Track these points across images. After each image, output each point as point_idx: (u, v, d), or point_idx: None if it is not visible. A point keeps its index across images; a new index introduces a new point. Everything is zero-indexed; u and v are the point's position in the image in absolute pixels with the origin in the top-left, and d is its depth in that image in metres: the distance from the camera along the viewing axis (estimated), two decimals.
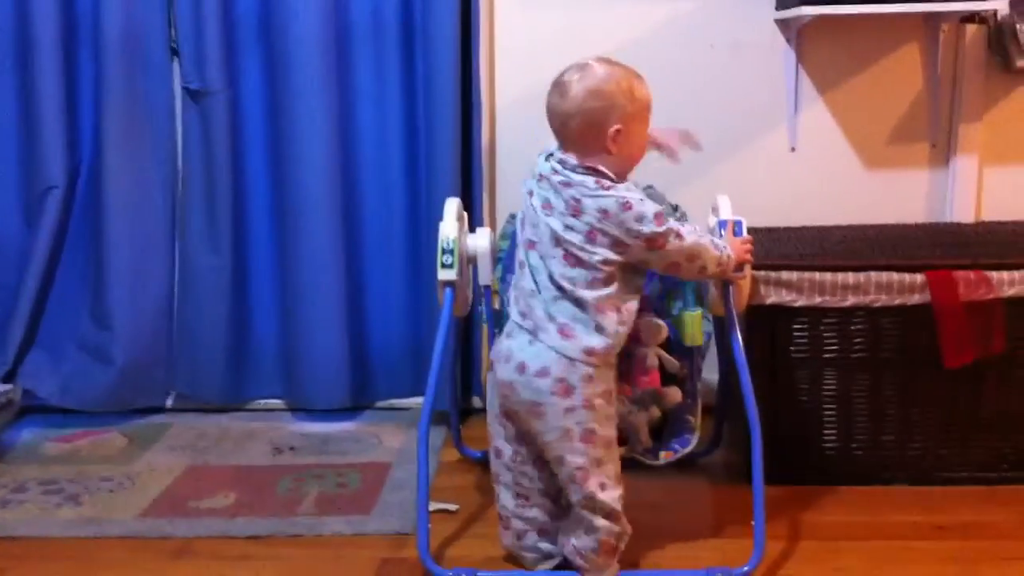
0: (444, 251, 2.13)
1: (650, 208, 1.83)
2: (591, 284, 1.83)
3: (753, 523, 1.97)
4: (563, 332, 1.84)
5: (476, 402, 2.90)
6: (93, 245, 2.92)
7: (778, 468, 2.19)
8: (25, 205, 2.94)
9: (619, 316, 1.87)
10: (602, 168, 1.85)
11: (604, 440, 1.89)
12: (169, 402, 3.00)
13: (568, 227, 1.83)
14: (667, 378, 2.25)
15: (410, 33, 2.83)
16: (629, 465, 2.05)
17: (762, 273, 2.27)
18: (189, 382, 2.97)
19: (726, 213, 2.17)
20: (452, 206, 2.22)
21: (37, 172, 2.90)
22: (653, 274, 2.13)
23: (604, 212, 1.82)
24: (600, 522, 1.88)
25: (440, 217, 2.20)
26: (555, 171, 1.87)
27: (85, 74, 2.90)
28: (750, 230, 2.14)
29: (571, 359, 1.84)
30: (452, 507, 2.27)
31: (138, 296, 2.92)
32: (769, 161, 2.84)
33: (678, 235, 1.86)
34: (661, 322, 2.28)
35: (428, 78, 2.80)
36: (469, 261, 2.21)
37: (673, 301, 2.27)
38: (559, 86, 1.88)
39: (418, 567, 1.99)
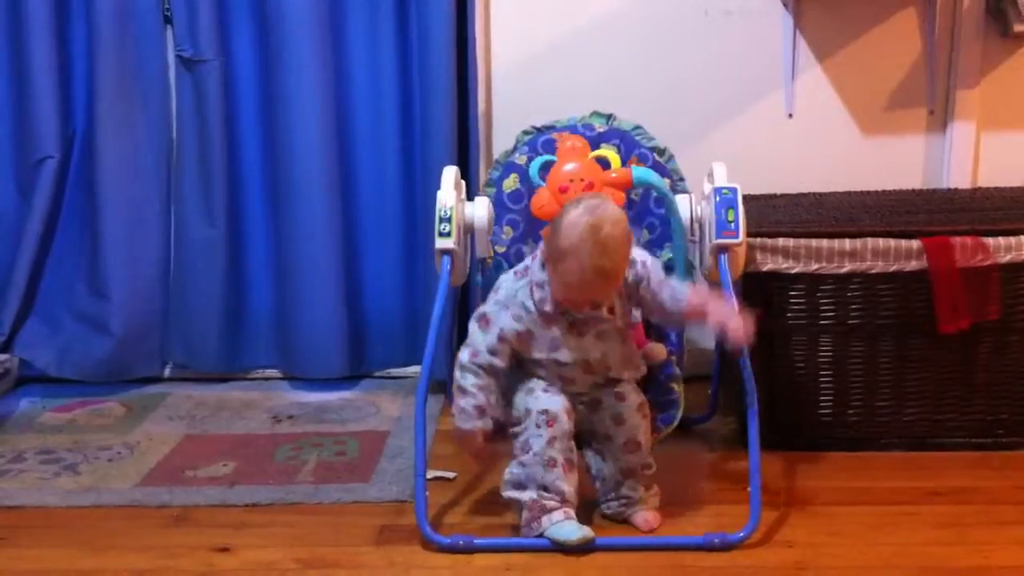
0: (442, 219, 2.12)
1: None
2: None
3: (749, 489, 1.98)
4: None
5: None
6: (88, 214, 2.92)
7: (774, 434, 2.21)
8: (19, 175, 2.93)
9: None
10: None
11: None
12: (167, 371, 3.01)
13: None
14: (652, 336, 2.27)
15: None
16: None
17: (758, 240, 2.27)
18: (186, 351, 2.97)
19: (722, 180, 2.17)
20: (450, 174, 2.22)
21: (31, 142, 2.89)
22: (638, 214, 2.24)
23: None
24: None
25: (436, 186, 2.20)
26: None
27: (78, 42, 2.88)
28: (746, 197, 2.14)
29: None
30: (450, 475, 2.28)
31: (134, 265, 2.91)
32: (766, 128, 2.83)
33: None
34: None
35: (423, 45, 2.78)
36: (466, 230, 2.21)
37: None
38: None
39: (416, 534, 1.99)
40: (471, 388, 1.97)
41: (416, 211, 2.87)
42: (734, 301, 2.02)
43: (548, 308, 1.96)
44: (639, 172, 2.18)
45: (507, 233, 2.33)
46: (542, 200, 2.22)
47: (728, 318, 1.90)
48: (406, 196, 2.90)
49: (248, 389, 2.92)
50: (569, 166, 2.21)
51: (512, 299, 1.99)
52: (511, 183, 2.33)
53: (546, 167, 2.25)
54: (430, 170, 2.65)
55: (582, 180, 2.18)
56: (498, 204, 2.32)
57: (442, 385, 2.65)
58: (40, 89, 2.85)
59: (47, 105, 2.86)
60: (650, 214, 2.32)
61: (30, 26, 2.81)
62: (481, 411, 1.97)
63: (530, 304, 1.97)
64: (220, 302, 2.93)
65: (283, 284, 2.91)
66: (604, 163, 2.24)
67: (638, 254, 1.98)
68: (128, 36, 2.85)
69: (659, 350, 2.21)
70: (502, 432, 2.03)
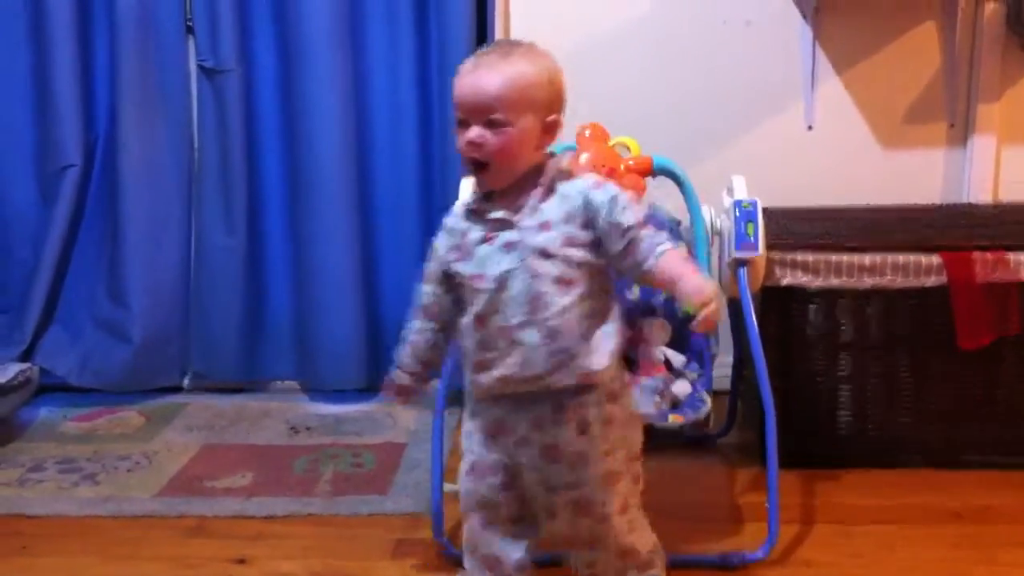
0: None
1: None
2: None
3: (767, 506, 1.97)
4: None
5: None
6: (109, 223, 2.94)
7: (792, 450, 2.19)
8: (42, 183, 2.96)
9: None
10: None
11: None
12: (186, 381, 3.02)
13: None
14: (675, 374, 2.25)
15: (424, 6, 2.82)
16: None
17: (777, 254, 2.26)
18: (205, 360, 2.98)
19: (741, 193, 2.16)
20: (468, 186, 2.21)
21: (53, 150, 2.91)
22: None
23: None
24: None
25: (456, 196, 2.20)
26: None
27: (100, 52, 2.90)
28: (765, 210, 2.13)
29: None
30: None
31: (154, 274, 2.93)
32: (785, 140, 2.82)
33: None
34: (666, 322, 2.29)
35: (442, 54, 2.79)
36: None
37: None
38: None
39: (433, 547, 2.00)
40: (407, 336, 1.74)
41: (434, 222, 2.86)
42: (711, 281, 1.60)
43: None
44: (659, 158, 2.16)
45: None
46: None
47: (705, 298, 1.46)
48: (424, 206, 2.90)
49: (266, 399, 2.94)
50: (587, 153, 2.13)
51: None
52: None
53: (565, 154, 2.20)
54: (449, 180, 2.66)
55: (603, 166, 2.10)
56: None
57: (460, 397, 2.64)
58: (63, 98, 2.87)
59: (70, 114, 2.88)
60: (661, 227, 2.31)
61: (52, 33, 2.84)
62: (410, 359, 1.73)
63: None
64: (239, 311, 2.95)
65: (302, 294, 2.92)
66: (624, 150, 2.21)
67: (605, 184, 1.56)
68: (150, 46, 2.87)
69: (683, 387, 2.15)
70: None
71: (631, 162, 2.15)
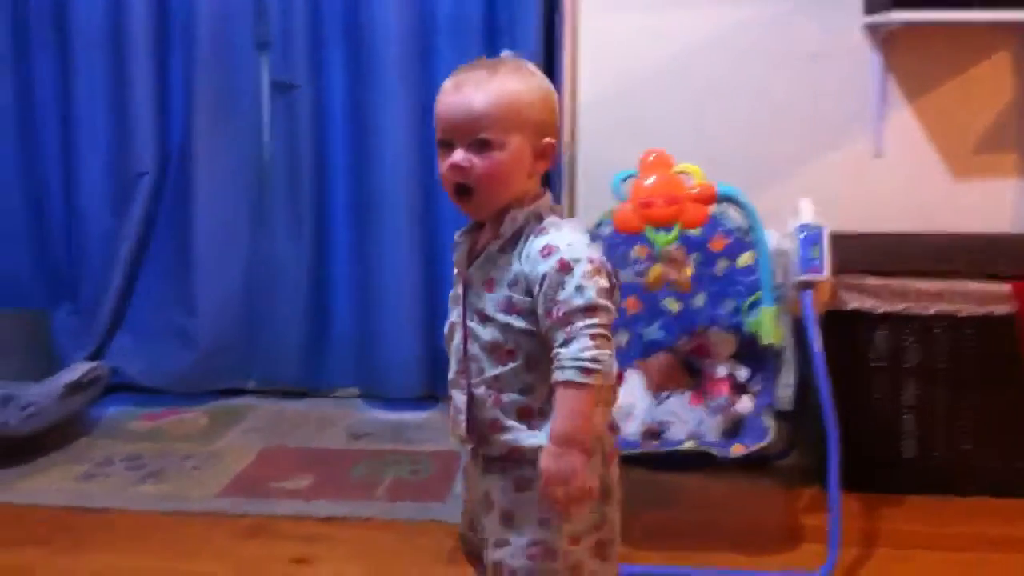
0: None
1: None
2: None
3: (827, 528, 1.95)
4: None
5: None
6: (180, 231, 3.01)
7: (853, 474, 2.17)
8: (116, 191, 3.04)
9: None
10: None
11: None
12: (250, 385, 3.07)
13: None
14: (739, 389, 2.25)
15: (493, 31, 2.86)
16: (701, 462, 2.04)
17: (843, 278, 2.25)
18: (268, 366, 3.03)
19: (808, 217, 2.16)
20: None
21: (128, 159, 3.00)
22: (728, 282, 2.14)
23: None
24: None
25: None
26: None
27: (176, 64, 2.99)
28: (832, 235, 2.13)
29: None
30: None
31: (221, 281, 2.99)
32: (853, 166, 2.81)
33: None
34: (731, 335, 2.29)
35: None
36: None
37: (750, 304, 2.27)
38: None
39: None
40: None
41: None
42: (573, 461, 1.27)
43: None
44: (724, 186, 2.16)
45: None
46: (624, 215, 2.14)
47: (548, 479, 1.26)
48: None
49: (327, 405, 2.97)
50: (651, 180, 2.12)
51: None
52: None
53: (628, 181, 2.17)
54: None
55: (666, 194, 2.11)
56: None
57: None
58: (139, 108, 2.97)
59: (145, 123, 2.98)
60: (735, 283, 2.33)
61: (130, 46, 2.95)
62: None
63: None
64: (303, 319, 3.00)
65: (365, 304, 2.96)
66: (688, 177, 2.21)
67: (569, 239, 1.30)
68: (224, 62, 2.95)
69: (745, 404, 2.16)
70: None
71: (695, 190, 2.13)
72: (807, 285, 2.11)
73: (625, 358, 2.37)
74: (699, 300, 2.38)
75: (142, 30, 2.94)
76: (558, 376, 1.24)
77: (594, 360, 1.23)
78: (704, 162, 2.15)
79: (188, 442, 2.68)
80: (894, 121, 2.80)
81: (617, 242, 2.37)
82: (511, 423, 1.32)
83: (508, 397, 1.31)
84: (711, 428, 2.17)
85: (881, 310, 2.27)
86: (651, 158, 2.16)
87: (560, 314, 1.25)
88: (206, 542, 2.12)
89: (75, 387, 2.68)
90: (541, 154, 1.35)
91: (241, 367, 3.04)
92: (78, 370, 2.74)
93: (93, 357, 2.97)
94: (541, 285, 1.27)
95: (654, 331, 2.41)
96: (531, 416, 1.31)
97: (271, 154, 3.00)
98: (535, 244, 1.30)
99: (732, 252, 2.36)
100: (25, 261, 3.10)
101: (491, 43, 2.86)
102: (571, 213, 2.90)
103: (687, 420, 2.18)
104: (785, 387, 2.41)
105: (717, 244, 2.38)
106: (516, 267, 1.30)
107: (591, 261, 1.28)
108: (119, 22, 2.94)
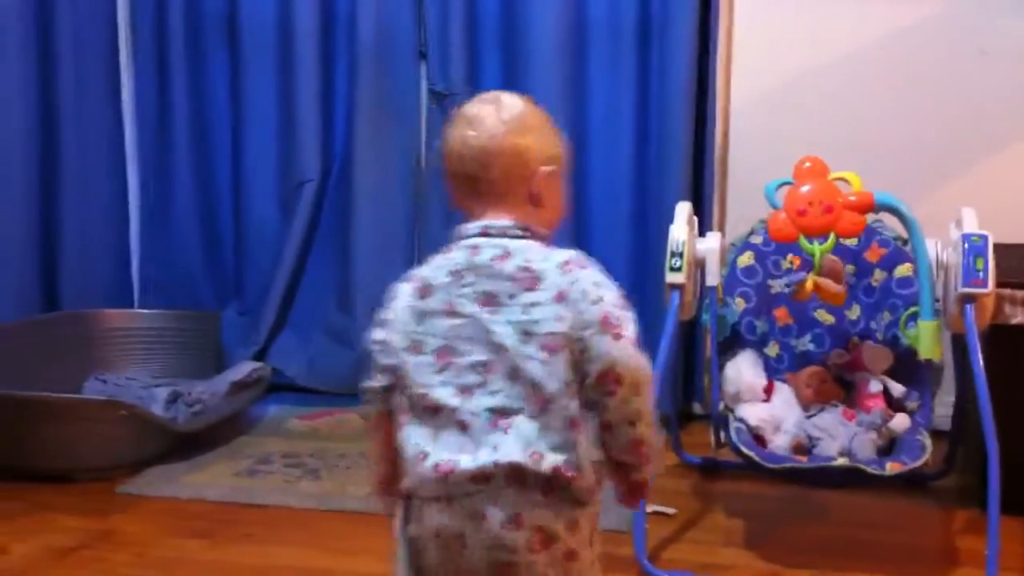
0: (673, 254, 2.13)
1: None
2: None
3: (986, 552, 1.88)
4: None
5: (696, 408, 2.90)
6: (341, 235, 3.11)
7: (1015, 497, 2.08)
8: (282, 197, 3.17)
9: None
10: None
11: None
12: None
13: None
14: (893, 405, 2.18)
15: (647, 33, 2.85)
16: (853, 479, 1.98)
17: (1008, 291, 2.16)
18: None
19: (971, 227, 2.07)
20: (683, 210, 2.22)
21: (294, 166, 3.12)
22: (884, 294, 2.09)
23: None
24: None
25: (669, 221, 2.21)
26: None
27: (339, 75, 3.09)
28: (996, 246, 2.04)
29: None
30: (670, 511, 2.28)
31: (380, 284, 3.04)
32: (1018, 173, 2.69)
33: None
34: (886, 349, 2.22)
35: (662, 79, 2.82)
36: (697, 265, 2.21)
37: (907, 317, 2.20)
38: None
39: (634, 565, 2.01)
40: None
41: (648, 245, 2.89)
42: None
43: None
44: (881, 195, 2.09)
45: (739, 304, 2.35)
46: (778, 223, 2.09)
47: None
48: (638, 230, 2.92)
49: None
50: (806, 187, 2.07)
51: None
52: (746, 259, 2.35)
53: (782, 189, 2.13)
54: (664, 205, 2.66)
55: (821, 202, 2.05)
56: (732, 277, 2.33)
57: (666, 420, 2.65)
58: (303, 117, 3.09)
59: (310, 133, 3.09)
60: (892, 295, 2.26)
61: (297, 58, 3.06)
62: None
63: None
64: None
65: None
66: (844, 185, 2.15)
67: (602, 283, 1.26)
68: (385, 71, 3.03)
69: (902, 420, 2.10)
70: None
71: (852, 197, 2.07)
72: (970, 298, 2.02)
73: (775, 370, 2.33)
74: (854, 312, 2.32)
75: (309, 40, 3.05)
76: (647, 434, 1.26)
77: None
78: (862, 169, 2.10)
79: (344, 442, 2.75)
80: None
81: (768, 251, 2.34)
82: None
83: None
84: (864, 445, 2.11)
85: None
86: (806, 165, 2.11)
87: None
88: (362, 539, 2.16)
89: (240, 386, 2.80)
90: None
91: None
92: (243, 369, 2.86)
93: (257, 357, 3.10)
94: None
95: (805, 343, 2.36)
96: None
97: (428, 160, 3.07)
98: None
99: (889, 263, 2.30)
100: (198, 263, 3.27)
101: (645, 43, 2.86)
102: (720, 216, 2.87)
103: (838, 436, 2.13)
104: (944, 405, 2.32)
105: (874, 255, 2.32)
106: None
107: None
108: (287, 33, 3.06)
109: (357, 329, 3.05)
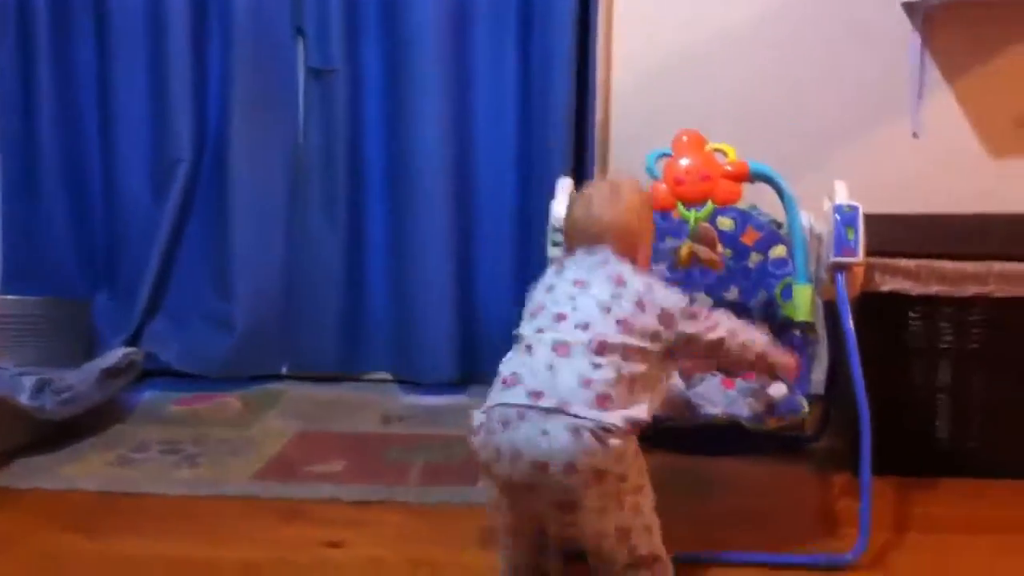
0: (555, 229, 2.14)
1: None
2: None
3: (859, 511, 1.93)
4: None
5: None
6: (217, 217, 3.03)
7: (886, 458, 2.15)
8: (153, 176, 3.06)
9: None
10: None
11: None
12: (284, 370, 3.09)
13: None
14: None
15: (528, 12, 2.85)
16: (736, 440, 2.02)
17: (879, 260, 2.23)
18: (303, 351, 3.06)
19: (843, 198, 2.13)
20: (564, 185, 2.23)
21: (166, 145, 3.02)
22: (761, 274, 2.15)
23: None
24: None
25: (552, 196, 2.21)
26: None
27: (213, 51, 3.01)
28: (867, 216, 2.10)
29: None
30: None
31: (257, 267, 3.01)
32: (890, 147, 2.78)
33: None
34: (764, 325, 2.25)
35: (544, 57, 2.82)
36: None
37: (783, 287, 2.25)
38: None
39: None
40: None
41: (531, 222, 2.90)
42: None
43: None
44: (756, 164, 2.14)
45: None
46: (659, 194, 2.11)
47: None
48: (522, 206, 2.93)
49: (361, 390, 2.99)
50: (684, 159, 2.11)
51: None
52: None
53: (661, 160, 2.16)
54: (547, 182, 2.66)
55: (698, 171, 2.09)
56: None
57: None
58: (176, 94, 2.99)
59: (182, 110, 2.99)
60: (768, 275, 2.31)
61: (168, 33, 2.96)
62: None
63: None
64: (338, 305, 3.02)
65: (400, 289, 2.97)
66: (721, 156, 2.19)
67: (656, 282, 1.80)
68: (261, 47, 2.96)
69: (779, 388, 2.14)
70: None
71: (728, 168, 2.11)
72: (841, 267, 2.08)
73: None
74: (732, 293, 2.36)
75: (179, 14, 2.95)
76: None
77: None
78: (739, 143, 2.13)
79: (224, 427, 2.70)
80: (932, 101, 2.77)
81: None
82: None
83: None
84: (743, 407, 2.15)
85: (916, 292, 2.24)
86: (684, 138, 2.14)
87: None
88: (242, 526, 2.13)
89: (112, 372, 2.71)
90: None
91: (276, 352, 3.07)
92: (114, 355, 2.76)
93: (130, 343, 3.00)
94: None
95: None
96: None
97: (306, 139, 3.02)
98: None
99: (764, 245, 2.34)
100: (67, 247, 3.14)
101: (526, 22, 2.86)
102: None
103: (718, 402, 2.16)
104: (819, 372, 2.39)
105: (749, 238, 2.36)
106: None
107: None
108: (156, 6, 2.96)
109: (235, 311, 2.99)
